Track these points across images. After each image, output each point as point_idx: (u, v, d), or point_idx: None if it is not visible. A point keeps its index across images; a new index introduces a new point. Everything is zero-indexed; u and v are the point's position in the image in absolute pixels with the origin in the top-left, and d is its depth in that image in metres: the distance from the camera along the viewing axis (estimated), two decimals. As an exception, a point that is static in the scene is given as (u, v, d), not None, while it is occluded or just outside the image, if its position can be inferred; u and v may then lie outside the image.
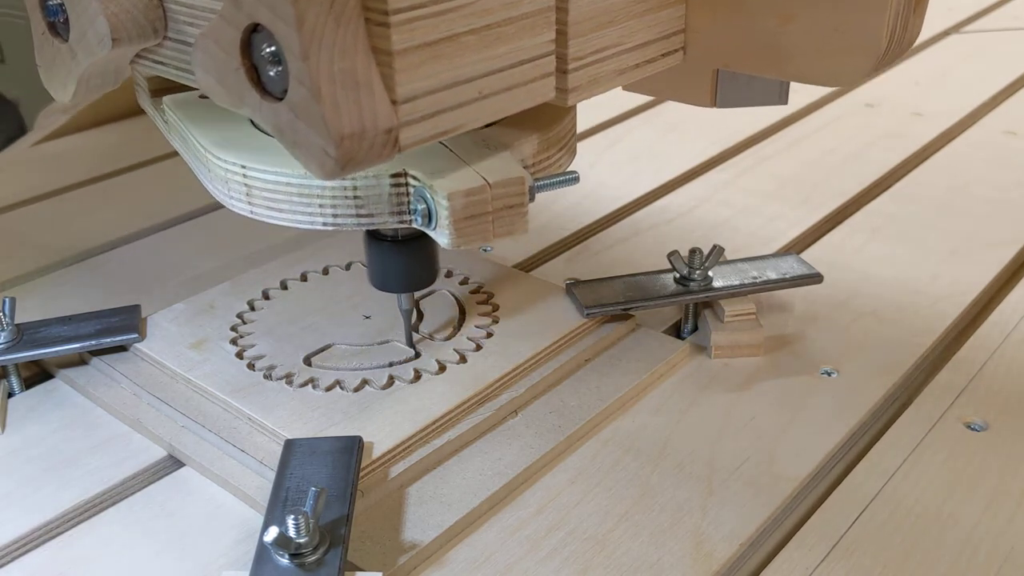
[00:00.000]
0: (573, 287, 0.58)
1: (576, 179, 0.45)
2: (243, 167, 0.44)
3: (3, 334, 0.54)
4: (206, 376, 0.52)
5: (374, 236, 0.50)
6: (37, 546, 0.45)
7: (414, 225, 0.43)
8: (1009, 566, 0.43)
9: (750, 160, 0.85)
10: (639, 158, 0.85)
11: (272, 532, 0.39)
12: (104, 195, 0.80)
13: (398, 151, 0.37)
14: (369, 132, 0.35)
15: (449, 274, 0.62)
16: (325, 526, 0.41)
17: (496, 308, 0.58)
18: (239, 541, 0.45)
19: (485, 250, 0.69)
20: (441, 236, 0.42)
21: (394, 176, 0.43)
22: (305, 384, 0.51)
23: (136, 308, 0.57)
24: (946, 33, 1.19)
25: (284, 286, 0.61)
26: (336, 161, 0.35)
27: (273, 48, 0.35)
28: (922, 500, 0.46)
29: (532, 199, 0.43)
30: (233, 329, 0.56)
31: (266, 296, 0.60)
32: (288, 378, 0.52)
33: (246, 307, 0.58)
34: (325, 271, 0.62)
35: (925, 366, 0.57)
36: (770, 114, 0.94)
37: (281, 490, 0.44)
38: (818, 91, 1.00)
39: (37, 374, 0.56)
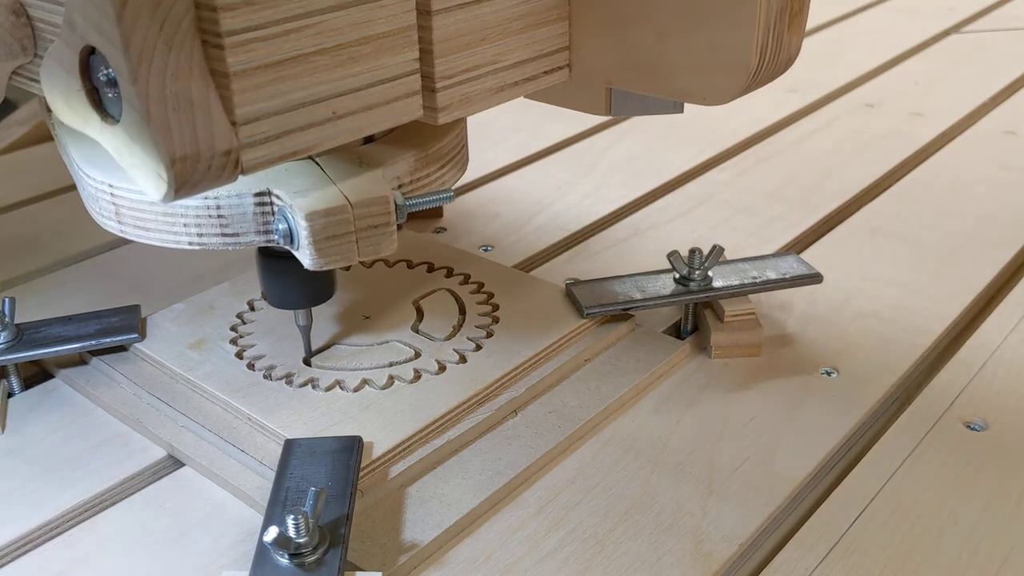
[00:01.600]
0: (573, 287, 0.58)
1: (450, 197, 0.45)
2: (110, 186, 0.44)
3: (3, 334, 0.54)
4: (206, 376, 0.52)
5: (266, 253, 0.50)
6: (37, 546, 0.45)
7: (279, 244, 0.42)
8: (1009, 566, 0.43)
9: (750, 160, 0.85)
10: (639, 158, 0.85)
11: (272, 532, 0.39)
12: (104, 195, 0.80)
13: (241, 173, 0.36)
14: (205, 154, 0.34)
15: (449, 274, 0.62)
16: (325, 526, 0.41)
17: (496, 308, 0.58)
18: (239, 541, 0.45)
19: (486, 250, 0.69)
20: (304, 256, 0.41)
21: (258, 195, 0.42)
22: (305, 384, 0.51)
23: (136, 308, 0.57)
24: (946, 33, 1.19)
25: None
26: (169, 184, 0.34)
27: (110, 71, 0.34)
28: (922, 500, 0.46)
29: (402, 218, 0.42)
30: (233, 329, 0.56)
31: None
32: (288, 378, 0.52)
33: (246, 307, 0.58)
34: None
35: (925, 366, 0.57)
36: (770, 114, 0.94)
37: (281, 490, 0.44)
38: (818, 91, 1.00)
39: (37, 374, 0.56)
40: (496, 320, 0.57)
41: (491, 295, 0.59)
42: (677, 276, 0.58)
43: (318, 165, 0.44)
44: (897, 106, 0.96)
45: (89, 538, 0.45)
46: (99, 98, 0.36)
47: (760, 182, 0.80)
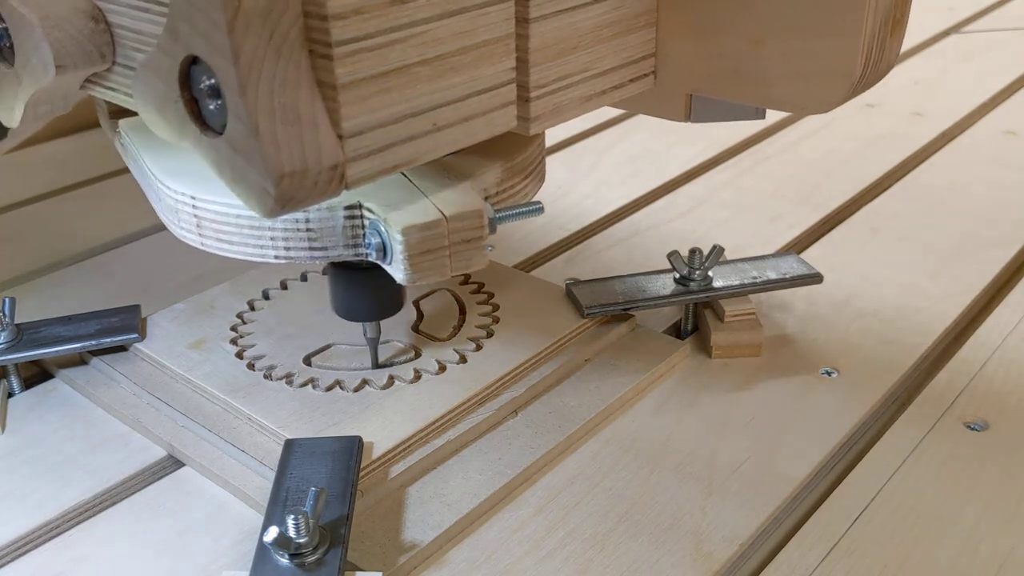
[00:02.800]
0: (573, 287, 0.58)
1: (540, 210, 0.44)
2: (193, 198, 0.43)
3: (3, 334, 0.54)
4: (206, 376, 0.52)
5: (337, 265, 0.49)
6: (37, 546, 0.45)
7: (369, 259, 0.42)
8: (1009, 566, 0.43)
9: (750, 160, 0.85)
10: (639, 158, 0.85)
11: (272, 532, 0.39)
12: (104, 195, 0.80)
13: (345, 188, 0.35)
14: (312, 169, 0.34)
15: (449, 274, 0.62)
16: (325, 526, 0.41)
17: (496, 308, 0.58)
18: (239, 541, 0.45)
19: (486, 250, 0.69)
20: (396, 271, 0.40)
21: (348, 208, 0.41)
22: (305, 384, 0.51)
23: (136, 308, 0.57)
24: (946, 33, 1.19)
25: (284, 286, 0.61)
26: (276, 200, 0.33)
27: (212, 81, 0.33)
28: (922, 500, 0.46)
29: (492, 231, 0.41)
30: (233, 329, 0.56)
31: (266, 296, 0.60)
32: (288, 378, 0.52)
33: (246, 307, 0.58)
34: (325, 271, 0.62)
35: (925, 366, 0.57)
36: (770, 114, 0.94)
37: (281, 490, 0.44)
38: (818, 91, 1.00)
39: (37, 374, 0.56)
40: (496, 320, 0.57)
41: (491, 295, 0.59)
42: (677, 276, 0.58)
43: (405, 176, 0.43)
44: (897, 106, 0.96)
45: (89, 538, 0.45)
46: (199, 109, 0.35)
47: (760, 182, 0.80)
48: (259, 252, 0.43)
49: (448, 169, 0.44)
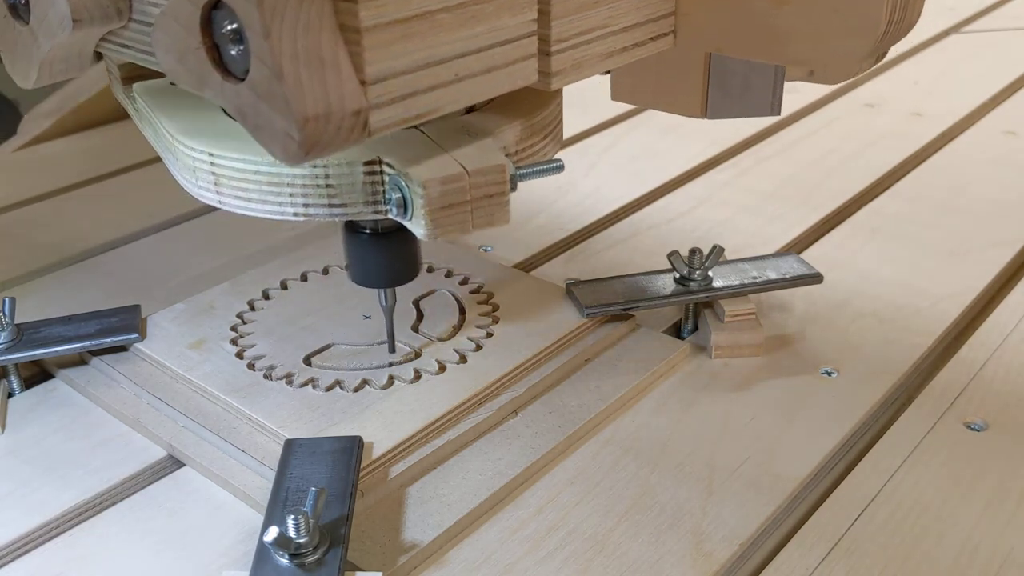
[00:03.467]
0: (573, 287, 0.58)
1: (561, 167, 0.44)
2: (210, 155, 0.42)
3: (3, 334, 0.54)
4: (206, 376, 0.52)
5: (353, 229, 0.49)
6: (37, 546, 0.45)
7: (389, 215, 0.41)
8: (1009, 566, 0.43)
9: (750, 160, 0.85)
10: (639, 158, 0.85)
11: (272, 532, 0.39)
12: (104, 195, 0.80)
13: (368, 135, 0.35)
14: (336, 114, 0.33)
15: (449, 274, 0.62)
16: (325, 526, 0.41)
17: (496, 308, 0.58)
18: (239, 541, 0.45)
19: (486, 250, 0.69)
20: (417, 227, 0.40)
21: (368, 163, 0.41)
22: (305, 384, 0.51)
23: (136, 308, 0.57)
24: (946, 33, 1.19)
25: (284, 286, 0.61)
26: (300, 144, 0.33)
27: (234, 25, 0.33)
28: (922, 500, 0.46)
29: (514, 188, 0.41)
30: (233, 329, 0.56)
31: (266, 296, 0.60)
32: (288, 378, 0.52)
33: (246, 307, 0.58)
34: (325, 271, 0.62)
35: (925, 366, 0.57)
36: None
37: (281, 490, 0.44)
38: (818, 91, 1.00)
39: (37, 374, 0.56)
40: (496, 320, 0.57)
41: (491, 295, 0.59)
42: (677, 276, 0.58)
43: (424, 134, 0.42)
44: (897, 106, 0.96)
45: (89, 538, 0.45)
46: (220, 56, 0.34)
47: (760, 182, 0.80)
48: (278, 209, 0.42)
49: (468, 127, 0.43)
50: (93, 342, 0.54)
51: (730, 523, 0.45)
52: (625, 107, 0.96)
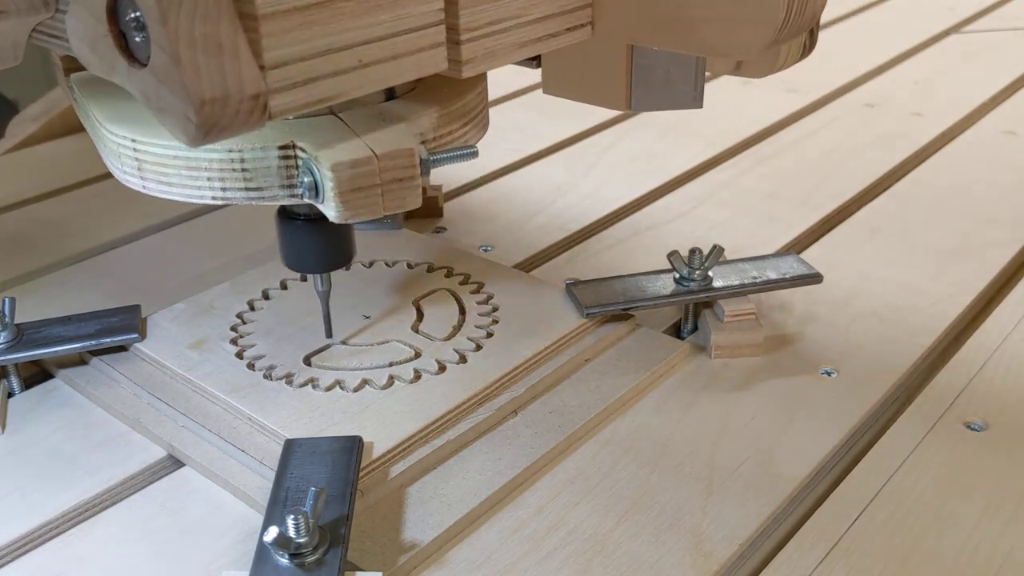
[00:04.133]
0: (573, 287, 0.58)
1: (474, 153, 0.45)
2: (133, 140, 0.44)
3: (3, 334, 0.54)
4: (206, 376, 0.52)
5: (286, 215, 0.50)
6: (37, 546, 0.45)
7: (303, 199, 0.42)
8: (1009, 566, 0.43)
9: (750, 160, 0.85)
10: (639, 158, 0.85)
11: (272, 532, 0.39)
12: (104, 195, 0.80)
13: (268, 118, 0.36)
14: (233, 97, 0.35)
15: (449, 274, 0.62)
16: (325, 526, 0.41)
17: (496, 308, 0.58)
18: (239, 541, 0.45)
19: (486, 250, 0.69)
20: (328, 209, 0.41)
21: (282, 148, 0.42)
22: (305, 384, 0.51)
23: (136, 308, 0.57)
24: (946, 33, 1.19)
25: (284, 286, 0.61)
26: (197, 127, 0.34)
27: (137, 14, 0.34)
28: (922, 500, 0.46)
29: (426, 172, 0.42)
30: (233, 329, 0.56)
31: (266, 296, 0.60)
32: (288, 378, 0.52)
33: (246, 307, 0.58)
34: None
35: (925, 366, 0.57)
36: (770, 114, 0.94)
37: (281, 490, 0.44)
38: (818, 91, 1.00)
39: (37, 374, 0.56)
40: (496, 320, 0.57)
41: (491, 295, 0.59)
42: (677, 276, 0.58)
43: (341, 120, 0.43)
44: (897, 106, 0.96)
45: (89, 538, 0.45)
46: (126, 43, 0.36)
47: (760, 182, 0.80)
48: (197, 193, 0.43)
49: (384, 113, 0.45)
50: (93, 342, 0.54)
51: (730, 523, 0.45)
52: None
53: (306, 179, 0.42)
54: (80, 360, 0.56)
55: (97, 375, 0.55)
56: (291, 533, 0.39)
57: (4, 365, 0.54)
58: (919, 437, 0.51)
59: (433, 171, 0.81)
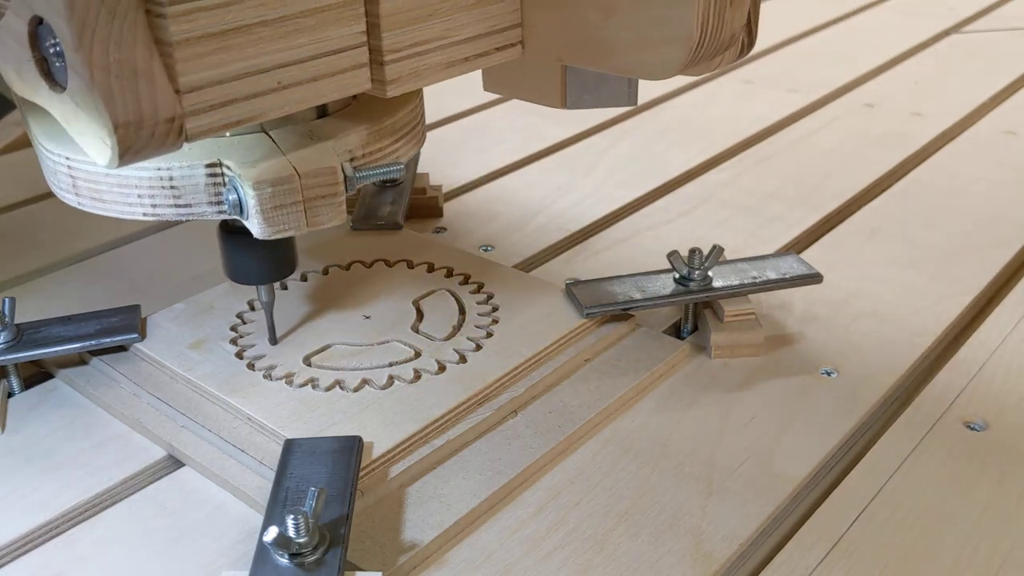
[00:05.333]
0: (573, 287, 0.58)
1: (399, 169, 0.46)
2: (68, 159, 0.45)
3: (3, 334, 0.54)
4: (206, 376, 0.52)
5: (226, 229, 0.51)
6: (37, 546, 0.45)
7: (229, 215, 0.43)
8: (1009, 566, 0.43)
9: (750, 160, 0.85)
10: (639, 158, 0.85)
11: (272, 532, 0.39)
12: (104, 195, 0.80)
13: (186, 140, 0.37)
14: (148, 121, 0.35)
15: (449, 274, 0.62)
16: (325, 526, 0.41)
17: (496, 308, 0.58)
18: (239, 541, 0.45)
19: (486, 250, 0.69)
20: (252, 225, 0.42)
21: (209, 165, 0.43)
22: (305, 384, 0.51)
23: (136, 308, 0.57)
24: (946, 33, 1.19)
25: (284, 286, 0.61)
26: (113, 149, 0.35)
27: (56, 40, 0.35)
28: (922, 500, 0.46)
29: (351, 189, 0.43)
30: (233, 329, 0.56)
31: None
32: (288, 378, 0.52)
33: (246, 307, 0.58)
34: (325, 271, 0.62)
35: (925, 366, 0.57)
36: (770, 114, 0.94)
37: (281, 490, 0.44)
38: (818, 91, 1.00)
39: (37, 374, 0.56)
40: (496, 320, 0.57)
41: (491, 295, 0.59)
42: (677, 276, 0.58)
43: (270, 138, 0.45)
44: (897, 106, 0.96)
45: (89, 538, 0.45)
46: (48, 68, 0.37)
47: (760, 182, 0.80)
48: (129, 209, 0.44)
49: (314, 131, 0.45)
50: (93, 342, 0.54)
51: (730, 523, 0.45)
52: (625, 108, 0.96)
53: (231, 196, 0.43)
54: (80, 360, 0.56)
55: (97, 375, 0.55)
56: (291, 533, 0.39)
57: (4, 365, 0.54)
58: (919, 437, 0.51)
59: (433, 171, 0.82)
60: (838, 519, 0.45)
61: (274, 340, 0.55)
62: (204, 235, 0.72)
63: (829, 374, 0.55)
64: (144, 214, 0.44)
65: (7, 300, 0.54)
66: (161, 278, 0.66)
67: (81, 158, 0.44)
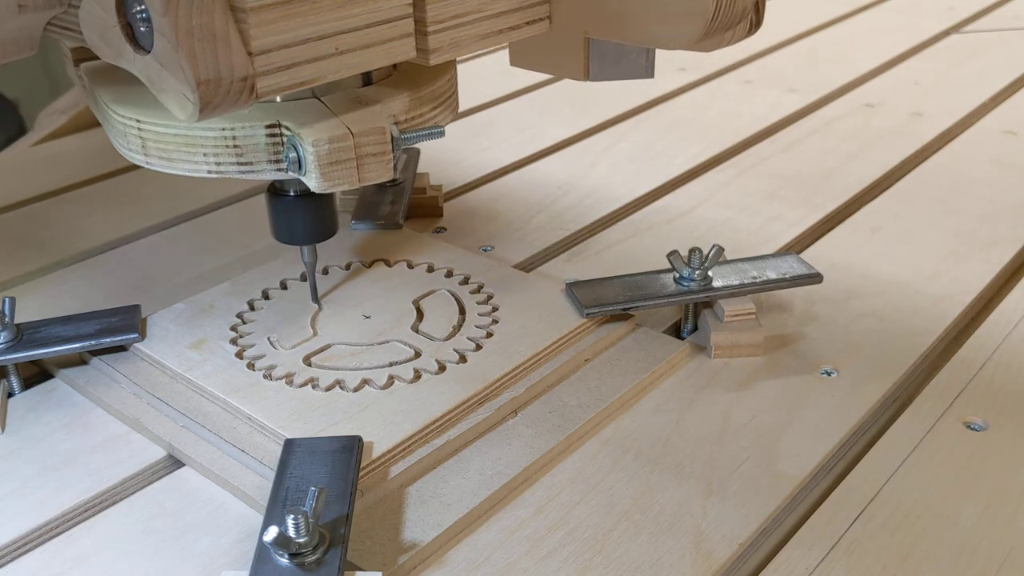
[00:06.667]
0: (573, 287, 0.58)
1: (441, 133, 0.50)
2: (138, 120, 0.48)
3: (3, 334, 0.54)
4: (206, 376, 0.52)
5: (275, 193, 0.54)
6: (37, 546, 0.45)
7: (288, 173, 0.46)
8: (1009, 566, 0.43)
9: (750, 160, 0.85)
10: (639, 158, 0.85)
11: (272, 532, 0.39)
12: (104, 195, 0.80)
13: (256, 98, 0.41)
14: (225, 79, 0.39)
15: (449, 274, 0.62)
16: (325, 526, 0.41)
17: (496, 308, 0.58)
18: (239, 541, 0.45)
19: (486, 250, 0.69)
20: (310, 180, 0.45)
21: (269, 126, 0.46)
22: (305, 384, 0.51)
23: (136, 308, 0.57)
24: (946, 33, 1.19)
25: (284, 286, 0.61)
26: (195, 104, 0.39)
27: (142, 6, 0.39)
28: (922, 500, 0.46)
29: (397, 149, 0.46)
30: (233, 329, 0.56)
31: (266, 296, 0.60)
32: (288, 378, 0.52)
33: (246, 307, 0.58)
34: (325, 271, 0.62)
35: (925, 366, 0.57)
36: (770, 114, 0.94)
37: (281, 490, 0.44)
38: (818, 91, 1.00)
39: (37, 374, 0.56)
40: (496, 320, 0.57)
41: (491, 295, 0.59)
42: (677, 276, 0.58)
43: (322, 103, 0.48)
44: (897, 106, 0.96)
45: (89, 538, 0.45)
46: (133, 33, 0.41)
47: (760, 182, 0.80)
48: (194, 167, 0.48)
49: (361, 97, 0.49)
50: (93, 342, 0.54)
51: (730, 523, 0.45)
52: (625, 107, 0.96)
53: (291, 154, 0.46)
54: (80, 360, 0.56)
55: (97, 375, 0.55)
56: (291, 533, 0.39)
57: (4, 365, 0.54)
58: (919, 437, 0.51)
59: (433, 171, 0.82)
60: (838, 519, 0.45)
61: (316, 299, 0.58)
62: (204, 235, 0.72)
63: (829, 374, 0.55)
64: (209, 171, 0.47)
65: (7, 300, 0.54)
66: (161, 278, 0.66)
67: (151, 120, 0.47)
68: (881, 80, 1.04)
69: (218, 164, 0.47)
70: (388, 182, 0.72)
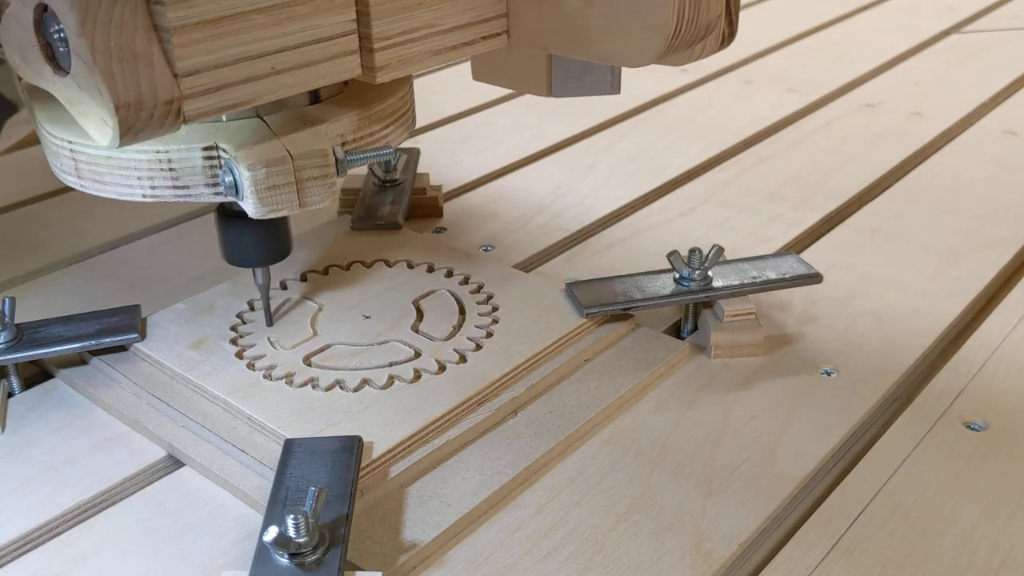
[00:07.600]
0: (573, 287, 0.58)
1: (390, 153, 0.48)
2: (70, 142, 0.46)
3: (3, 334, 0.54)
4: (206, 376, 0.52)
5: (224, 213, 0.52)
6: (37, 546, 0.45)
7: (225, 197, 0.45)
8: (1009, 566, 0.43)
9: (750, 160, 0.85)
10: (639, 158, 0.85)
11: (272, 532, 0.39)
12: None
13: (183, 122, 0.39)
14: (148, 103, 0.37)
15: (449, 274, 0.62)
16: (325, 526, 0.41)
17: (496, 308, 0.58)
18: (239, 541, 0.45)
19: (486, 250, 0.69)
20: (247, 205, 0.44)
21: (206, 148, 0.45)
22: (305, 384, 0.51)
23: (136, 308, 0.57)
24: (946, 33, 1.19)
25: (284, 286, 0.61)
26: (114, 129, 0.37)
27: (60, 26, 0.37)
28: (922, 500, 0.46)
29: (342, 172, 0.45)
30: (233, 329, 0.56)
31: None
32: (288, 378, 0.52)
33: (246, 307, 0.58)
34: (325, 271, 0.62)
35: (925, 366, 0.57)
36: (770, 114, 0.94)
37: (281, 490, 0.44)
38: (818, 91, 1.00)
39: (37, 374, 0.56)
40: (496, 320, 0.57)
41: (491, 295, 0.59)
42: (677, 276, 0.58)
43: (264, 122, 0.46)
44: (897, 106, 0.96)
45: (89, 538, 0.45)
46: (52, 53, 0.39)
47: (760, 182, 0.80)
48: (128, 191, 0.46)
49: (306, 116, 0.47)
50: (93, 342, 0.54)
51: (730, 523, 0.45)
52: (625, 108, 0.96)
53: (227, 178, 0.44)
54: (80, 360, 0.56)
55: (97, 375, 0.55)
56: (291, 533, 0.39)
57: (4, 365, 0.54)
58: (919, 437, 0.51)
59: (433, 171, 0.82)
60: (838, 519, 0.45)
61: (270, 322, 0.56)
62: (204, 235, 0.72)
63: (829, 374, 0.55)
64: (144, 195, 0.46)
65: (7, 300, 0.54)
66: (161, 278, 0.66)
67: (83, 141, 0.45)
68: (881, 80, 1.04)
69: (153, 188, 0.45)
70: (388, 182, 0.72)
